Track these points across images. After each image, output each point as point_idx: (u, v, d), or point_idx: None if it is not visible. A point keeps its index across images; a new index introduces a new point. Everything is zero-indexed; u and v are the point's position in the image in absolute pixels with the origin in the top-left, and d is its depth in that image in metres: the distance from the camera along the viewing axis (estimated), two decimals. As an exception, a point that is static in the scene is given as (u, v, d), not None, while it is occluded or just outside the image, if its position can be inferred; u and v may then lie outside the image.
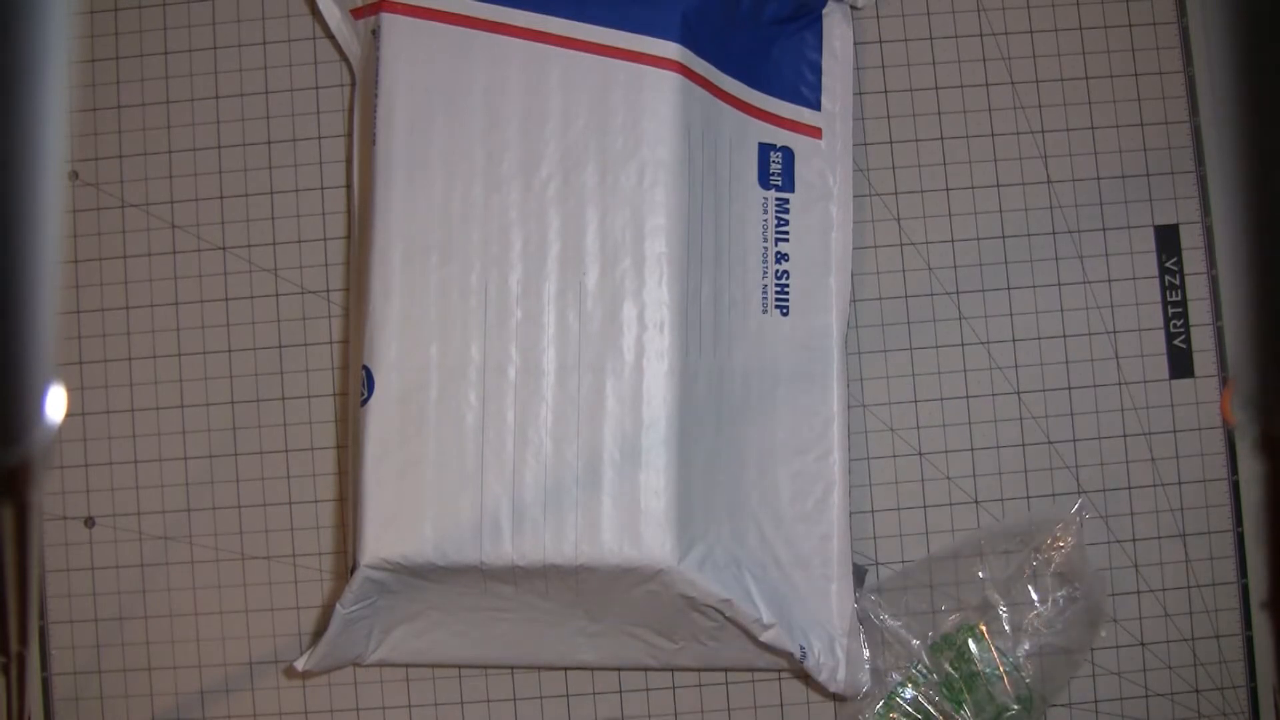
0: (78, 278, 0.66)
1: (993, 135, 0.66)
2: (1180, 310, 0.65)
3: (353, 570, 0.57)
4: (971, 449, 0.65)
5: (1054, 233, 0.66)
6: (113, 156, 0.67)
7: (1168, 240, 0.66)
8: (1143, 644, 0.64)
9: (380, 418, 0.57)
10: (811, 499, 0.61)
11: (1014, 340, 0.65)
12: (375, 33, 0.60)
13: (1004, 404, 0.65)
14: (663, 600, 0.57)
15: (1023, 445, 0.65)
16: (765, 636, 0.58)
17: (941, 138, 0.66)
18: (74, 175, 0.67)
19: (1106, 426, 0.65)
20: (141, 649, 0.66)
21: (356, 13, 0.62)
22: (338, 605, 0.57)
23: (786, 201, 0.62)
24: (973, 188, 0.66)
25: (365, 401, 0.57)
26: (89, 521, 0.66)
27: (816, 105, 0.63)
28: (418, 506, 0.56)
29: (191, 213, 0.67)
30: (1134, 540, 0.65)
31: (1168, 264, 0.66)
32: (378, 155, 0.58)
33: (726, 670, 0.64)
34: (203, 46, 0.67)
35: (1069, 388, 0.65)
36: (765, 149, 0.62)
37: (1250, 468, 0.34)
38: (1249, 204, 0.27)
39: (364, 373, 0.57)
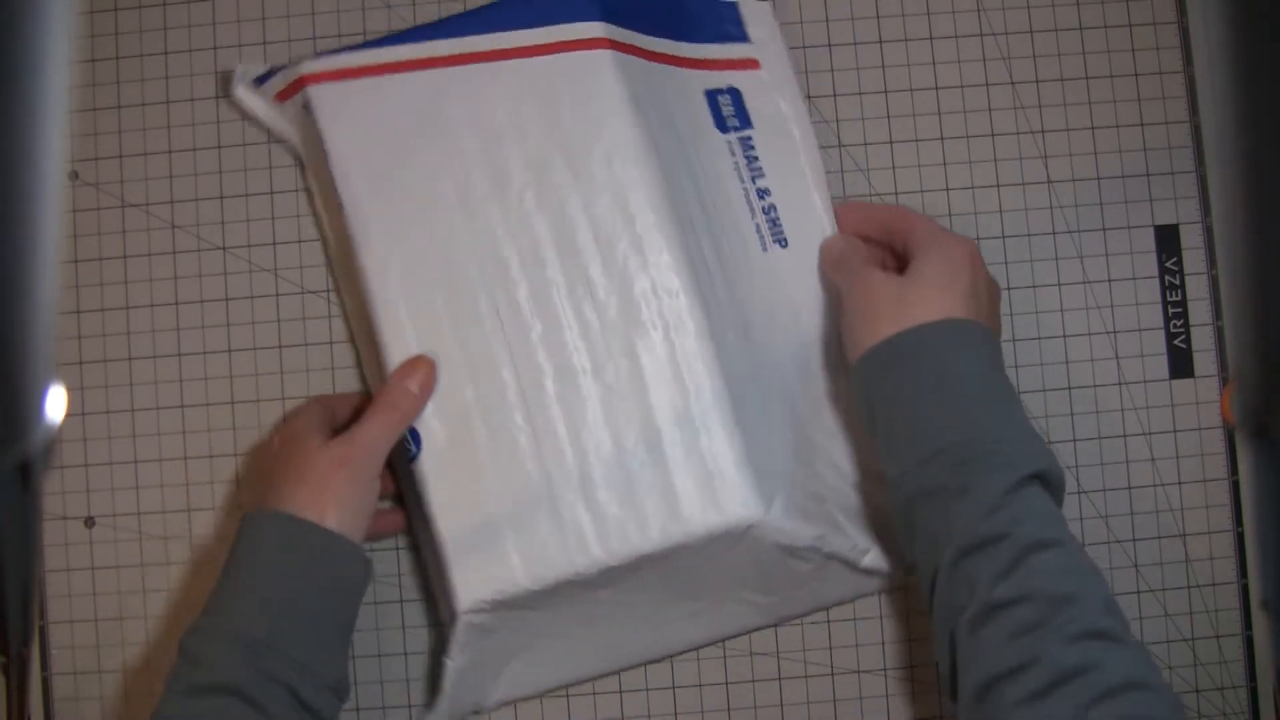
0: (78, 278, 0.66)
1: (993, 135, 0.66)
2: (1180, 310, 0.66)
3: (451, 622, 0.56)
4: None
5: (1054, 233, 0.66)
6: (113, 156, 0.67)
7: (1168, 240, 0.66)
8: (1143, 644, 0.64)
9: (435, 469, 0.56)
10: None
11: (1014, 340, 0.65)
12: (306, 107, 0.60)
13: (1004, 404, 0.65)
14: (758, 556, 0.57)
15: (1023, 445, 0.65)
16: (865, 562, 0.58)
17: (941, 138, 0.66)
18: (74, 175, 0.67)
19: (1106, 426, 0.65)
20: (141, 649, 0.66)
21: (281, 96, 0.62)
22: (445, 659, 0.57)
23: (749, 139, 0.62)
24: (973, 188, 0.66)
25: (414, 460, 0.57)
26: (89, 521, 0.66)
27: (745, 38, 0.64)
28: (497, 539, 0.56)
29: (191, 213, 0.67)
30: (1134, 540, 0.65)
31: (1168, 264, 0.66)
32: (350, 222, 0.59)
33: (830, 608, 0.64)
34: (203, 46, 0.67)
35: (1069, 388, 0.65)
36: (712, 95, 0.62)
37: (1250, 468, 0.34)
38: (1249, 204, 0.27)
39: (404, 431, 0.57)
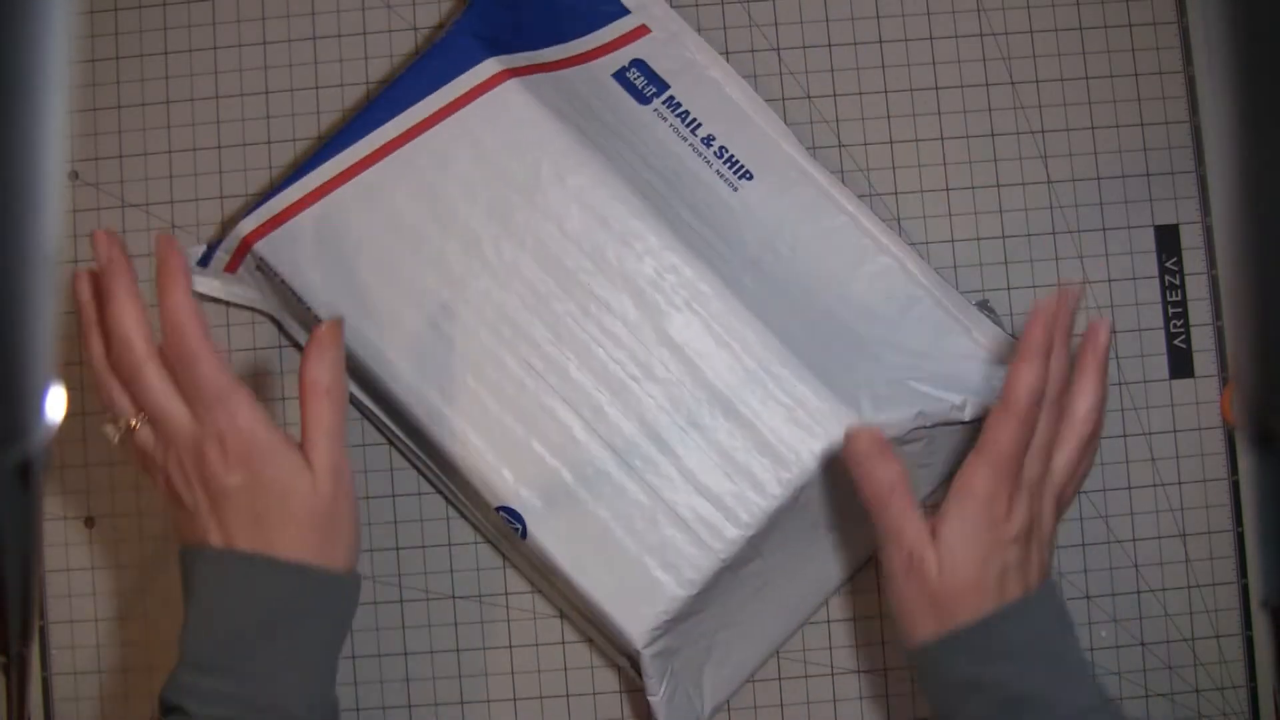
0: (78, 278, 0.66)
1: (993, 135, 0.66)
2: (1180, 310, 0.66)
3: (634, 664, 0.57)
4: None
5: (1054, 233, 0.66)
6: (113, 156, 0.67)
7: (1168, 240, 0.66)
8: (1143, 644, 0.64)
9: (549, 536, 0.57)
10: (896, 289, 0.61)
11: (1014, 340, 0.65)
12: (261, 266, 0.60)
13: (1004, 404, 0.65)
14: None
15: (1023, 445, 0.65)
16: (968, 415, 0.58)
17: (941, 138, 0.66)
18: (74, 175, 0.67)
19: (1107, 426, 0.65)
20: (141, 649, 0.66)
21: (230, 268, 0.62)
22: (650, 698, 0.57)
23: (672, 98, 0.63)
24: (973, 188, 0.66)
25: (524, 535, 0.57)
26: (89, 521, 0.66)
27: (624, 10, 0.64)
28: (637, 567, 0.56)
29: (191, 213, 0.67)
30: (1134, 540, 0.65)
31: (1168, 264, 0.66)
32: (354, 351, 0.59)
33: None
34: (203, 46, 0.67)
35: (1069, 388, 0.65)
36: (620, 75, 0.63)
37: (1250, 467, 0.34)
38: (1249, 204, 0.27)
39: (499, 515, 0.57)
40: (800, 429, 0.56)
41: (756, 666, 0.62)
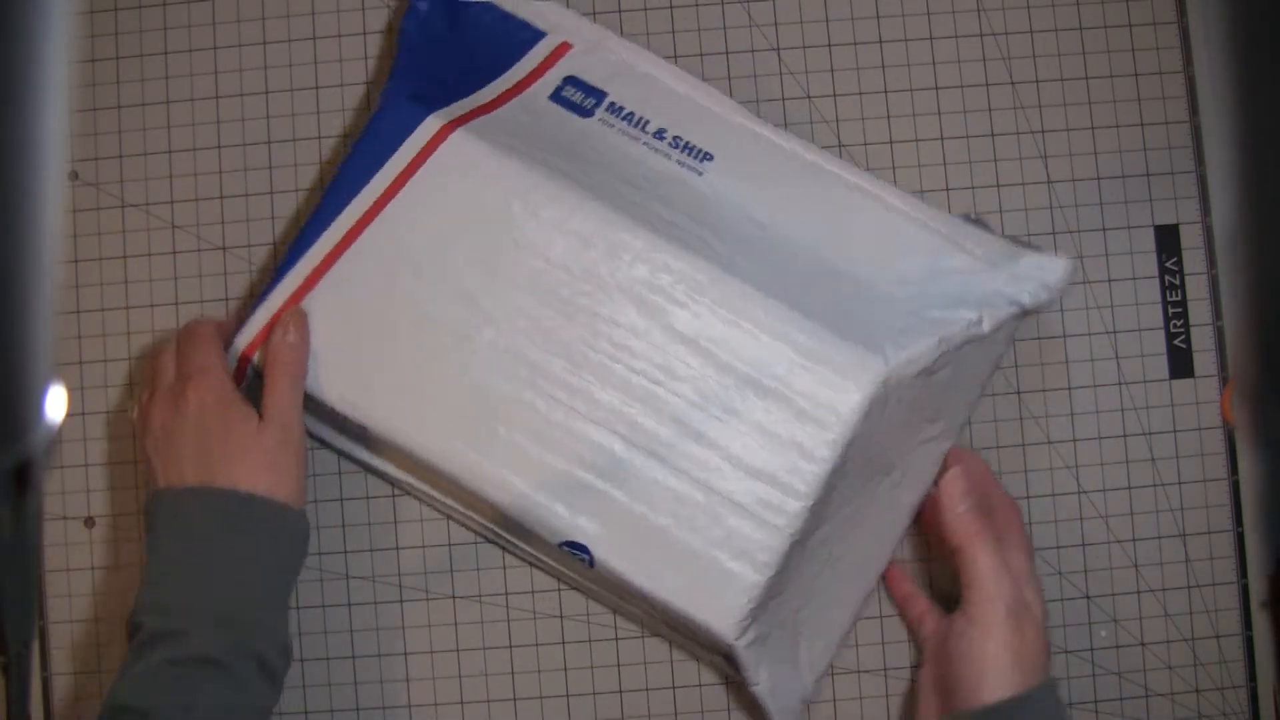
0: (78, 278, 0.66)
1: (993, 135, 0.66)
2: (1180, 310, 0.66)
3: (730, 660, 0.57)
4: (971, 450, 0.65)
5: (1054, 233, 0.66)
6: (113, 156, 0.67)
7: (1168, 240, 0.66)
8: (1143, 644, 0.64)
9: (615, 556, 0.57)
10: (880, 224, 0.60)
11: (1014, 340, 0.65)
12: (260, 375, 0.60)
13: (1004, 404, 0.65)
14: (908, 397, 0.57)
15: (1023, 445, 0.65)
16: (987, 327, 0.58)
17: (941, 138, 0.66)
18: (74, 175, 0.67)
19: (1106, 426, 0.65)
20: (141, 649, 0.65)
21: (236, 383, 0.61)
22: (753, 689, 0.57)
23: (613, 104, 0.63)
24: (973, 188, 0.66)
25: (591, 564, 0.57)
26: (89, 521, 0.66)
27: (541, 34, 0.64)
28: (709, 563, 0.56)
29: (191, 213, 0.67)
30: (1134, 540, 0.65)
31: (1168, 264, 0.66)
32: (378, 431, 0.59)
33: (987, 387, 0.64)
34: (203, 46, 0.67)
35: (1069, 388, 0.65)
36: (557, 96, 0.63)
37: (1250, 467, 0.34)
38: (1249, 203, 0.27)
39: (563, 550, 0.57)
40: (833, 389, 0.55)
41: (846, 632, 0.62)
